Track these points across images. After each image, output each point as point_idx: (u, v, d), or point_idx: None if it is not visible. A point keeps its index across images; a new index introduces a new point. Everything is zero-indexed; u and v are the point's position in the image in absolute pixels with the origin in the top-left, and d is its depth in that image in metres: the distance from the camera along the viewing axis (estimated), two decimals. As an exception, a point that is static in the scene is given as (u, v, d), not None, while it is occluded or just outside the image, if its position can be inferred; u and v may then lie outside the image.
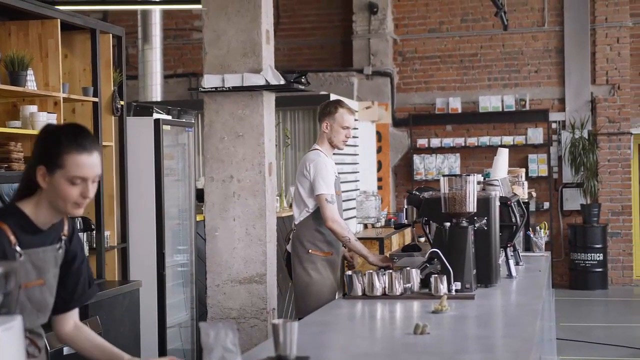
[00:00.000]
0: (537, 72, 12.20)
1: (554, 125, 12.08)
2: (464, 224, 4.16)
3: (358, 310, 3.87)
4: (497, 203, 4.46)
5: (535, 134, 11.97)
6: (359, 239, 5.41)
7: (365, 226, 9.54)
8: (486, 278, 4.29)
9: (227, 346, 2.33)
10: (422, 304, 3.82)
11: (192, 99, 11.26)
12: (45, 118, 5.17)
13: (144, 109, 6.78)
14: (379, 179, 11.61)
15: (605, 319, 10.02)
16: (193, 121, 7.72)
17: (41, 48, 5.43)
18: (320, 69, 12.08)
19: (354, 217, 9.40)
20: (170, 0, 9.66)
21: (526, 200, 6.38)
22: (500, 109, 12.09)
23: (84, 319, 3.21)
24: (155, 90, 11.02)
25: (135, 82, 11.12)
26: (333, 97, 8.17)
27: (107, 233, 5.93)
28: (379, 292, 3.99)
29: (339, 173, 5.32)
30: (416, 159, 12.25)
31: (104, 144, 5.91)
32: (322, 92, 10.43)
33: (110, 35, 6.15)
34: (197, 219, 6.80)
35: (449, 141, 12.19)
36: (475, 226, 4.24)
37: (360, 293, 4.02)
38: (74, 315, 2.81)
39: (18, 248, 2.52)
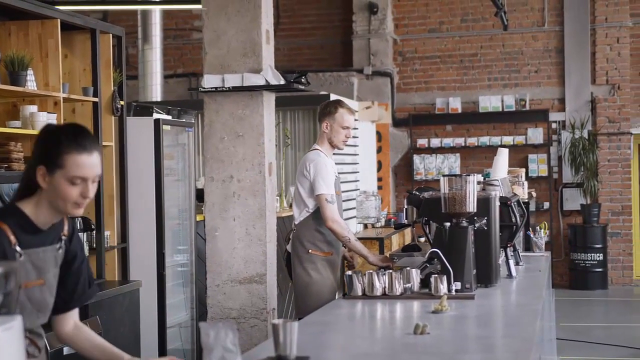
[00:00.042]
0: (537, 72, 12.20)
1: (554, 125, 12.07)
2: (464, 224, 4.16)
3: (358, 310, 3.87)
4: (497, 203, 4.46)
5: (535, 134, 11.96)
6: (359, 239, 5.41)
7: (365, 226, 9.54)
8: (486, 278, 4.29)
9: (227, 346, 2.33)
10: (422, 304, 3.82)
11: (192, 99, 11.26)
12: (45, 118, 5.17)
13: (144, 109, 6.78)
14: (379, 179, 11.61)
15: (605, 319, 10.02)
16: (193, 121, 7.71)
17: (41, 48, 5.43)
18: (320, 69, 12.08)
19: (354, 217, 9.39)
20: (170, 0, 9.65)
21: (526, 200, 6.38)
22: (500, 109, 12.09)
23: (84, 319, 3.21)
24: (155, 90, 11.02)
25: (135, 82, 11.12)
26: (333, 97, 8.17)
27: (107, 233, 5.93)
28: (379, 292, 3.99)
29: (339, 173, 5.32)
30: (416, 159, 12.25)
31: (104, 144, 5.91)
32: (322, 92, 10.43)
33: (110, 35, 6.15)
34: (197, 219, 6.80)
35: (449, 141, 12.19)
36: (475, 226, 4.24)
37: (360, 293, 4.02)
38: (74, 315, 2.81)
39: (18, 248, 2.52)
